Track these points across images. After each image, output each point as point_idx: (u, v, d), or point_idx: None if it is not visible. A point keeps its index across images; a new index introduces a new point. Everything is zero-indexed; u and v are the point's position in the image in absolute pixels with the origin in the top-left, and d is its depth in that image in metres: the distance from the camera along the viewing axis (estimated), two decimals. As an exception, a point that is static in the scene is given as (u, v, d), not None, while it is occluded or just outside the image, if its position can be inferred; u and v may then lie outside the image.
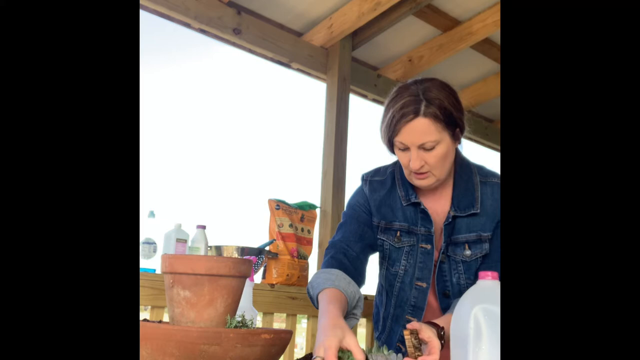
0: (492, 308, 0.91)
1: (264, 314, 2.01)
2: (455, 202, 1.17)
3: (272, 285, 2.04)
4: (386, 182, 1.23)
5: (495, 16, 2.30)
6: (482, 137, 3.27)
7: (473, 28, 2.39)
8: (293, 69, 2.45)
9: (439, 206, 1.20)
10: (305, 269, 2.21)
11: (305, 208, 2.29)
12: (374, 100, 2.79)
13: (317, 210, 2.34)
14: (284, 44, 2.35)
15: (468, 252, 1.16)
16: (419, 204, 1.18)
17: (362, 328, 2.42)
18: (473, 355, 0.91)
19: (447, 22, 2.45)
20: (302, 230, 2.24)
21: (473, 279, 1.14)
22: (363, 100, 2.78)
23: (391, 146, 1.15)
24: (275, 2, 2.24)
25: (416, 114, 1.08)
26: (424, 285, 1.16)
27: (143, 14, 1.98)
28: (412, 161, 1.10)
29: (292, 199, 2.27)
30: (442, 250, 1.16)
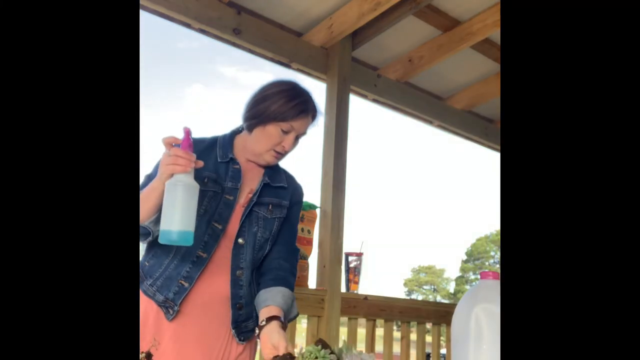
0: (493, 308, 0.91)
1: (264, 314, 2.01)
2: (267, 174, 1.45)
3: (272, 285, 2.04)
4: (205, 141, 1.44)
5: (495, 16, 2.30)
6: (482, 137, 3.28)
7: (473, 28, 2.39)
8: (293, 69, 2.45)
9: (253, 174, 1.45)
10: (305, 269, 2.21)
11: (305, 208, 2.28)
12: (374, 100, 2.79)
13: (317, 210, 2.34)
14: (284, 44, 2.35)
15: (270, 211, 1.44)
16: (234, 161, 1.42)
17: (362, 328, 2.41)
18: (474, 354, 0.91)
19: (447, 22, 2.45)
20: (302, 230, 2.24)
21: (268, 234, 1.41)
22: (363, 100, 2.78)
23: (269, 120, 1.36)
24: (275, 2, 2.24)
25: (313, 111, 1.42)
26: (220, 226, 1.35)
27: (143, 14, 1.98)
28: (287, 143, 1.39)
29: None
30: (249, 206, 1.39)
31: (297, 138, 1.41)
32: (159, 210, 1.23)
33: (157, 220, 1.24)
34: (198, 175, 1.25)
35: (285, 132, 1.37)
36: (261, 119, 1.37)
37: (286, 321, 1.32)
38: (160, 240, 1.16)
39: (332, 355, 1.02)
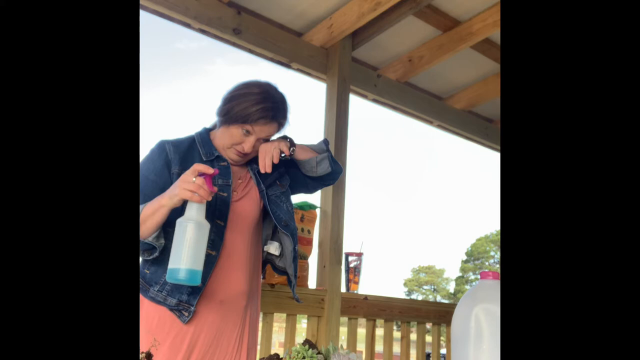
0: (493, 308, 0.91)
1: (264, 314, 2.01)
2: (250, 166, 1.51)
3: (272, 286, 2.04)
4: (185, 141, 1.46)
5: (495, 16, 2.30)
6: (482, 137, 3.28)
7: (473, 28, 2.39)
8: (293, 69, 2.45)
9: (238, 168, 1.49)
10: (305, 269, 2.21)
11: (305, 208, 2.28)
12: (374, 100, 2.79)
13: (317, 210, 2.34)
14: (284, 44, 2.35)
15: (281, 185, 1.52)
16: (221, 158, 1.45)
17: (362, 328, 2.41)
18: (474, 354, 0.91)
19: (447, 22, 2.45)
20: (302, 230, 2.24)
21: (290, 205, 1.53)
22: (363, 100, 2.78)
23: (232, 121, 1.39)
24: (275, 2, 2.24)
25: (280, 119, 1.43)
26: (222, 223, 1.36)
27: (143, 14, 1.98)
28: (247, 145, 1.40)
29: (292, 199, 2.27)
30: (264, 196, 1.47)
31: (260, 142, 1.42)
32: (161, 227, 1.26)
33: (159, 236, 1.28)
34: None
35: (246, 135, 1.40)
36: (226, 119, 1.40)
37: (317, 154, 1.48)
38: (168, 279, 1.17)
39: (319, 355, 1.02)
